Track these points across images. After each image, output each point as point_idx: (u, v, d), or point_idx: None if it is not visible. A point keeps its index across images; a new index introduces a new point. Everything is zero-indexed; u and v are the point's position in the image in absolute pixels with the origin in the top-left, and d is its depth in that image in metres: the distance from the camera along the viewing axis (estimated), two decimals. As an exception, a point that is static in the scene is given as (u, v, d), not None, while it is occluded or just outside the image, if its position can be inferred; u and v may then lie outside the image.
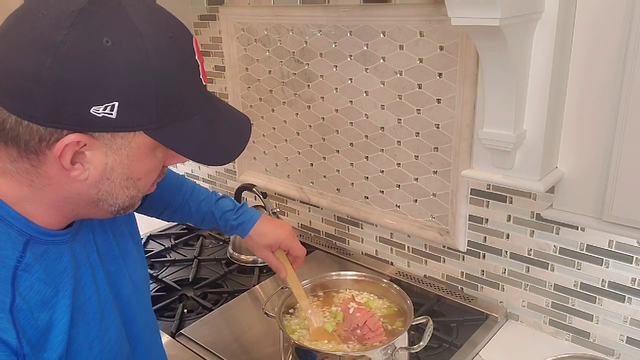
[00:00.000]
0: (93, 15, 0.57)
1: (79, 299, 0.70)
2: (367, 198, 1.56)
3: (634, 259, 1.13)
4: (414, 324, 1.12)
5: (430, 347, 1.22)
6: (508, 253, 1.32)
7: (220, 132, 0.69)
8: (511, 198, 1.26)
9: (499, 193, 1.28)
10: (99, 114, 0.57)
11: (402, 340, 1.08)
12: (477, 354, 1.24)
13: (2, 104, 0.59)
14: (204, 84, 0.67)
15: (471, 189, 1.33)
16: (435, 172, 1.37)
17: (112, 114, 0.58)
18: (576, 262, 1.21)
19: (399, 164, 1.44)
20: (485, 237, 1.35)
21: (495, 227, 1.32)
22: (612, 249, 1.15)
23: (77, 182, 0.63)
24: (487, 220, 1.33)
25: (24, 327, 0.61)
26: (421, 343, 1.08)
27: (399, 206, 1.49)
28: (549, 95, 0.94)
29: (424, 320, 1.13)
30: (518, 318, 1.35)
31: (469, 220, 1.36)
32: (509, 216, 1.28)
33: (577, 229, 1.18)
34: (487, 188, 1.30)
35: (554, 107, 0.96)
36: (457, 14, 0.85)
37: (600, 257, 1.17)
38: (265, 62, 1.67)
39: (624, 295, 1.17)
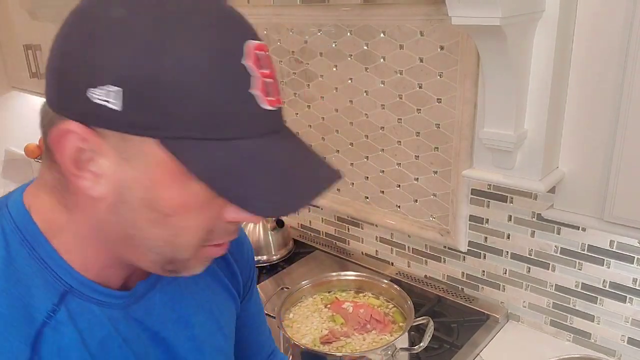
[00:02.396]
0: None
1: None
2: (368, 198, 1.55)
3: (635, 259, 1.13)
4: (414, 324, 1.12)
5: (431, 347, 1.21)
6: (509, 253, 1.31)
7: (279, 171, 0.49)
8: (512, 198, 1.26)
9: (499, 193, 1.28)
10: (95, 99, 0.44)
11: (403, 340, 1.08)
12: (478, 354, 1.24)
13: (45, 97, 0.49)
14: (268, 107, 0.48)
15: (472, 189, 1.32)
16: (435, 172, 1.37)
17: (114, 103, 0.44)
18: (577, 263, 1.21)
19: (399, 164, 1.44)
20: (486, 238, 1.34)
21: (496, 227, 1.31)
22: (613, 249, 1.15)
23: (95, 202, 0.49)
24: (487, 220, 1.32)
25: None
26: (422, 344, 1.08)
27: (399, 206, 1.49)
28: (549, 95, 0.93)
29: (425, 321, 1.13)
30: (519, 318, 1.35)
31: (469, 221, 1.35)
32: (510, 216, 1.28)
33: (578, 229, 1.18)
34: (487, 188, 1.30)
35: (555, 107, 0.96)
36: (458, 13, 0.85)
37: (601, 257, 1.17)
38: (265, 61, 1.66)
39: (625, 296, 1.16)
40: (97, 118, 0.45)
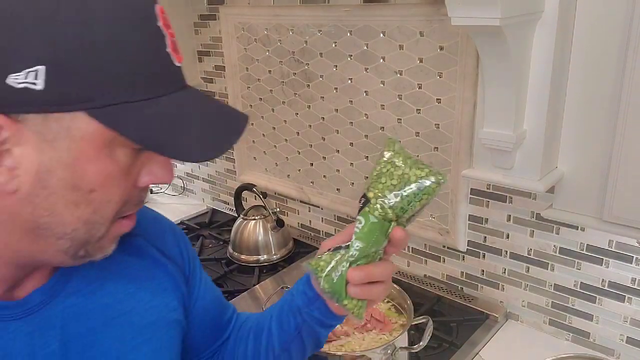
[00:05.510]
0: None
1: None
2: (367, 198, 1.55)
3: (634, 258, 1.13)
4: (414, 323, 1.12)
5: (430, 347, 1.22)
6: (508, 253, 1.32)
7: (200, 121, 0.51)
8: (511, 198, 1.26)
9: (499, 193, 1.28)
10: (19, 83, 0.42)
11: (402, 340, 1.08)
12: (477, 353, 1.24)
13: None
14: (178, 64, 0.51)
15: (471, 188, 1.33)
16: (435, 172, 1.37)
17: (36, 84, 0.42)
18: (576, 262, 1.21)
19: (399, 164, 1.44)
20: (485, 237, 1.35)
21: (495, 227, 1.32)
22: (612, 249, 1.15)
23: (7, 197, 0.46)
24: (487, 220, 1.33)
25: None
26: (421, 343, 1.08)
27: (399, 206, 1.49)
28: (549, 95, 0.94)
29: (424, 320, 1.13)
30: (518, 318, 1.35)
31: (469, 220, 1.36)
32: (509, 216, 1.28)
33: (577, 229, 1.18)
34: (487, 188, 1.30)
35: (554, 107, 0.96)
36: (458, 13, 0.85)
37: (600, 257, 1.17)
38: (266, 61, 1.67)
39: (624, 295, 1.17)
40: (17, 104, 0.43)
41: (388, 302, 1.23)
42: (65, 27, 0.42)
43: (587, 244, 1.18)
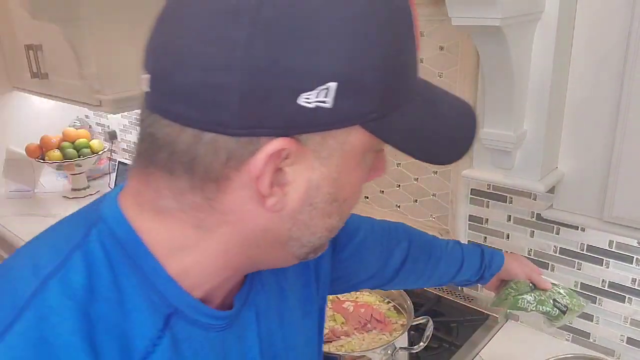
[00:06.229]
0: None
1: None
2: (367, 198, 1.55)
3: (634, 259, 1.13)
4: (414, 324, 1.12)
5: (431, 347, 1.22)
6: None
7: (444, 118, 0.49)
8: (511, 198, 1.26)
9: (499, 193, 1.28)
10: (311, 103, 0.39)
11: (402, 340, 1.08)
12: (477, 354, 1.24)
13: (171, 114, 0.41)
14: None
15: (471, 188, 1.32)
16: (435, 172, 1.37)
17: (326, 102, 0.40)
18: (576, 263, 1.21)
19: (398, 164, 1.44)
20: (485, 237, 1.34)
21: (496, 227, 1.31)
22: (613, 249, 1.15)
23: (269, 215, 0.44)
24: (487, 220, 1.32)
25: None
26: (421, 343, 1.08)
27: (399, 206, 1.49)
28: (549, 95, 0.93)
29: (424, 321, 1.13)
30: (518, 318, 1.35)
31: (469, 220, 1.35)
32: (509, 216, 1.28)
33: (578, 229, 1.18)
34: (487, 188, 1.30)
35: (554, 107, 0.96)
36: (458, 14, 0.85)
37: (600, 257, 1.17)
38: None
39: (624, 296, 1.16)
40: (305, 125, 0.40)
41: (388, 302, 1.23)
42: (363, 42, 0.41)
43: (587, 244, 1.18)
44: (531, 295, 0.94)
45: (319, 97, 0.39)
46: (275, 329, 0.58)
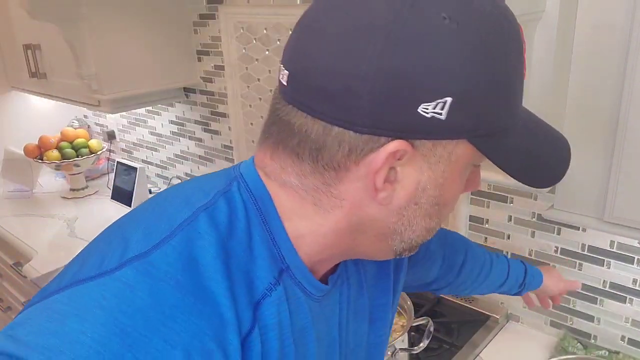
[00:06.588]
0: None
1: None
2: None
3: (635, 259, 1.13)
4: (414, 324, 1.12)
5: (431, 348, 1.21)
6: (509, 254, 1.31)
7: (544, 145, 0.55)
8: (512, 198, 1.26)
9: (499, 193, 1.28)
10: (428, 113, 0.45)
11: (403, 341, 1.08)
12: (478, 355, 1.24)
13: (307, 108, 0.47)
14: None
15: (472, 189, 1.32)
16: (435, 172, 1.37)
17: (441, 114, 0.45)
18: (577, 263, 1.21)
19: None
20: (486, 238, 1.34)
21: (496, 227, 1.31)
22: (614, 250, 1.15)
23: (378, 207, 0.50)
24: (487, 220, 1.32)
25: None
26: (421, 344, 1.08)
27: (399, 206, 1.48)
28: (549, 95, 0.93)
29: (424, 321, 1.12)
30: (519, 319, 1.35)
31: (469, 221, 1.35)
32: (510, 216, 1.28)
33: (578, 230, 1.18)
34: (487, 188, 1.30)
35: (555, 107, 0.96)
36: (458, 13, 0.84)
37: (601, 257, 1.17)
38: (265, 61, 1.66)
39: (625, 296, 1.16)
40: (421, 131, 0.46)
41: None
42: (480, 66, 0.46)
43: (588, 245, 1.18)
44: None
45: (436, 109, 0.45)
46: (351, 319, 0.64)
